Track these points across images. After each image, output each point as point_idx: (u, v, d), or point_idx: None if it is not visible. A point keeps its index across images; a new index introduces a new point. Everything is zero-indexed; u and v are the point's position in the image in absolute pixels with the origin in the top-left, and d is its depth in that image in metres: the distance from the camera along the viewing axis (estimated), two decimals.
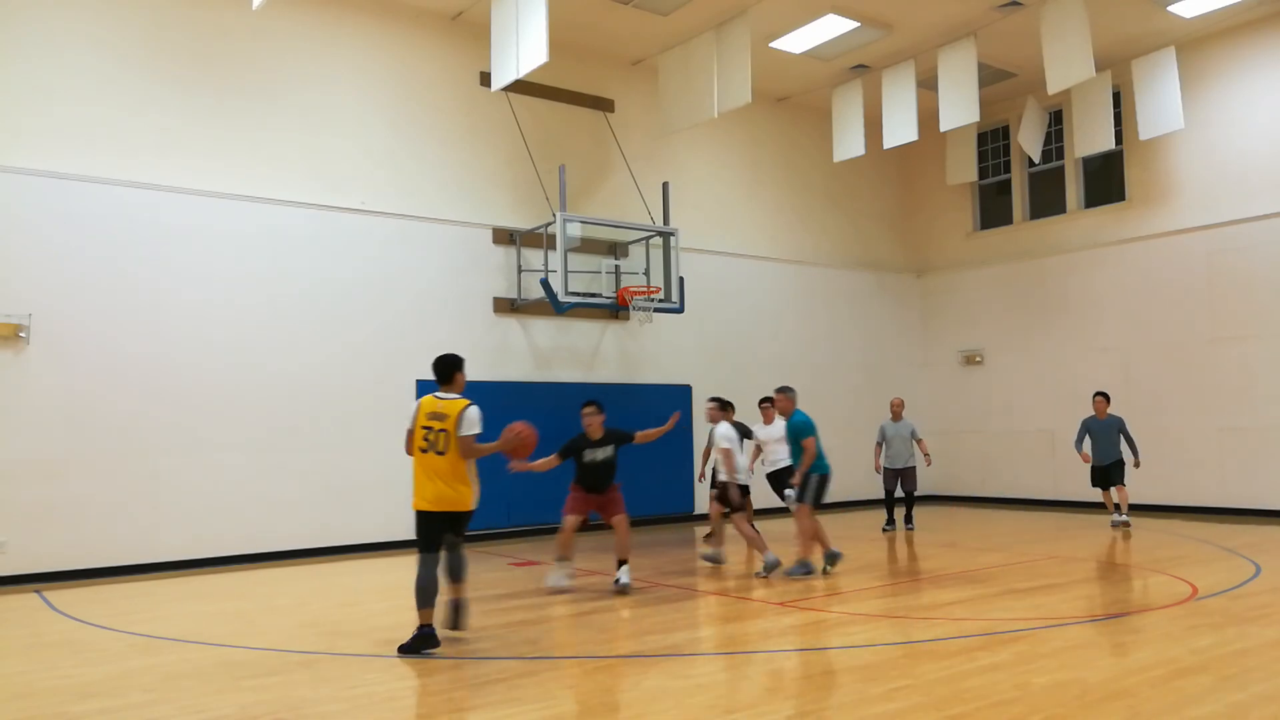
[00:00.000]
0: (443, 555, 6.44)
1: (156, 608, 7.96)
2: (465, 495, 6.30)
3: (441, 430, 6.18)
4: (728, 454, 9.04)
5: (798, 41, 13.38)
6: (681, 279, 12.56)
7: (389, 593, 8.83)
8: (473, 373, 12.17)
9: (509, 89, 11.38)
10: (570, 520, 8.46)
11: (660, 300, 12.30)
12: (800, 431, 8.92)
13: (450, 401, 6.29)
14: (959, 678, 5.23)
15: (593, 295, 12.17)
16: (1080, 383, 14.80)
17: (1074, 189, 15.28)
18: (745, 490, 9.53)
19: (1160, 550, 10.15)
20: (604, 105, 13.74)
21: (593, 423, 8.42)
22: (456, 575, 6.55)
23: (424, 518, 6.34)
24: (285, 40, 11.32)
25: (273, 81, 11.20)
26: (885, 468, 12.48)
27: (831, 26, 12.93)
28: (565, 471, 12.85)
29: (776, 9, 12.35)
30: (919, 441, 12.47)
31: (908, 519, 12.62)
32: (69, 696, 5.28)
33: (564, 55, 12.91)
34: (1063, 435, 14.92)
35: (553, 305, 11.81)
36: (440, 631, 6.29)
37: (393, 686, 5.42)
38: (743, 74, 11.80)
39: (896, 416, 12.58)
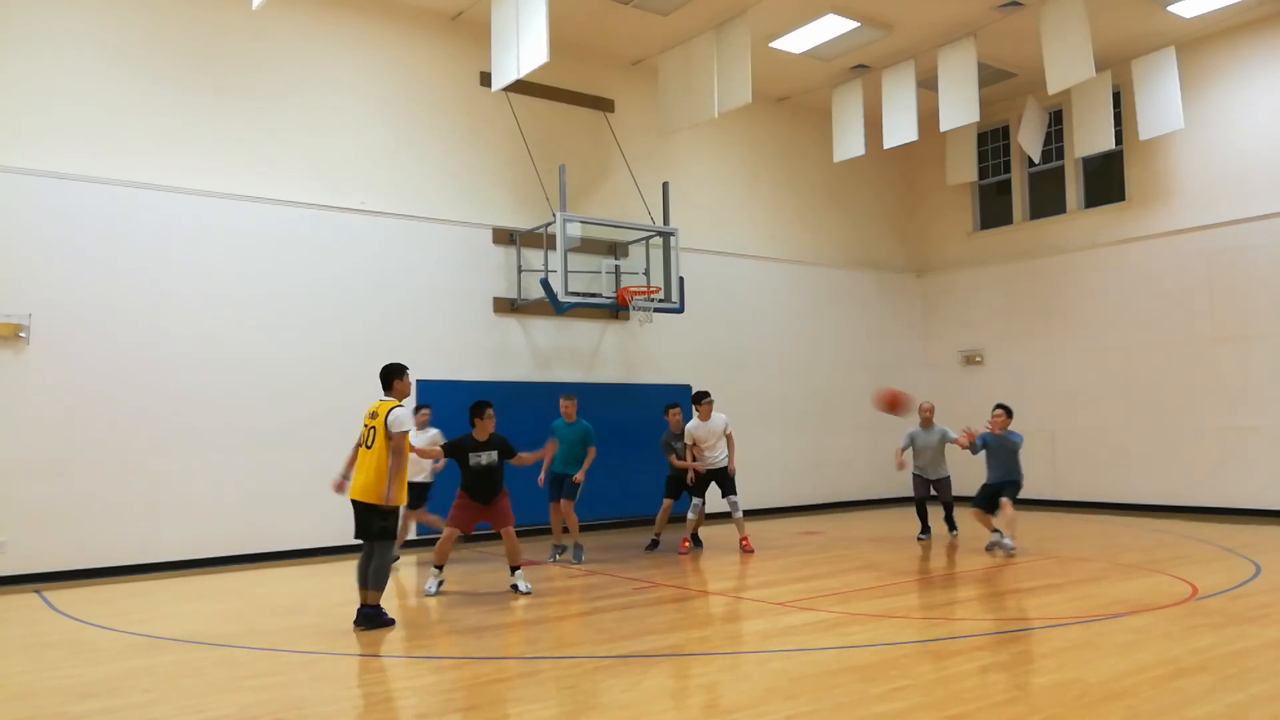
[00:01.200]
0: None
1: (156, 608, 7.96)
2: (380, 490, 6.95)
3: (371, 428, 7.11)
4: None
5: (798, 41, 13.38)
6: (681, 279, 12.56)
7: (388, 593, 8.83)
8: (473, 373, 12.30)
9: (509, 89, 11.38)
10: (452, 533, 8.35)
11: (660, 300, 12.30)
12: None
13: (382, 403, 7.16)
14: (959, 678, 5.24)
15: (593, 295, 12.17)
16: (1080, 383, 14.81)
17: (1074, 189, 15.28)
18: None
19: (1160, 550, 10.15)
20: (604, 105, 13.75)
21: (486, 425, 8.38)
22: (364, 579, 7.08)
23: (352, 505, 7.18)
24: (285, 40, 11.32)
25: (273, 81, 11.21)
26: (915, 475, 11.47)
27: (831, 26, 12.93)
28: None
29: (776, 9, 12.36)
30: (954, 441, 10.86)
31: (951, 525, 11.51)
32: (69, 696, 5.28)
33: (564, 55, 12.92)
34: (1063, 435, 14.93)
35: (553, 305, 11.81)
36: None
37: (393, 686, 5.42)
38: (743, 74, 11.79)
39: (926, 424, 11.33)
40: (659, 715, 4.71)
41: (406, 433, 7.03)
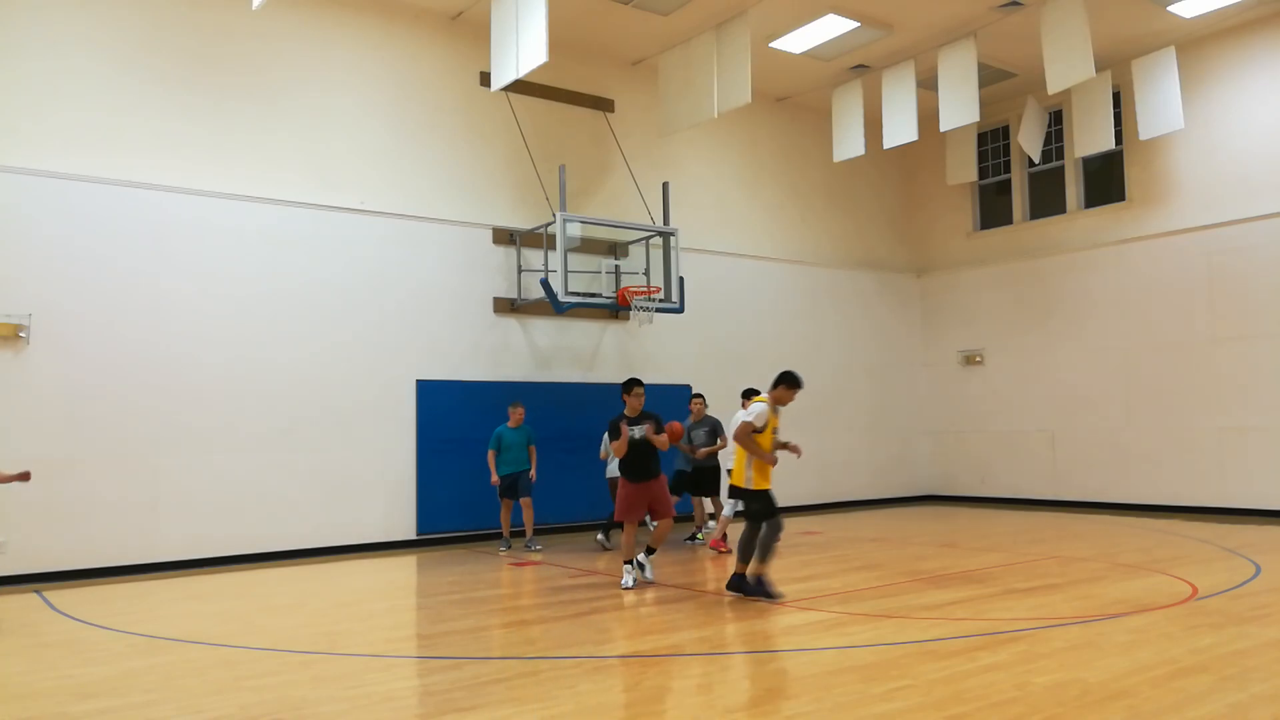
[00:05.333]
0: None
1: (156, 608, 7.95)
2: (741, 475, 7.85)
3: None
4: None
5: (798, 41, 13.38)
6: (681, 279, 12.56)
7: (389, 593, 8.84)
8: (473, 373, 12.31)
9: (509, 89, 11.38)
10: (631, 529, 8.58)
11: (660, 300, 12.30)
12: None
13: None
14: (959, 678, 5.23)
15: (593, 295, 12.17)
16: (1080, 383, 14.81)
17: (1074, 189, 15.28)
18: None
19: (1160, 550, 10.15)
20: (604, 105, 13.74)
21: (635, 402, 8.71)
22: (745, 553, 7.86)
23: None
24: (285, 40, 11.32)
25: (273, 82, 11.21)
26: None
27: (831, 26, 12.93)
28: (565, 470, 12.84)
29: (776, 9, 12.36)
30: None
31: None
32: (69, 696, 5.28)
33: (564, 55, 12.92)
34: (1063, 435, 14.92)
35: (553, 305, 11.81)
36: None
37: (393, 686, 5.42)
38: (743, 74, 11.79)
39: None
40: (659, 715, 4.71)
41: (746, 423, 7.67)
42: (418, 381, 11.82)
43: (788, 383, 7.86)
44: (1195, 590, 7.70)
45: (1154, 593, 7.72)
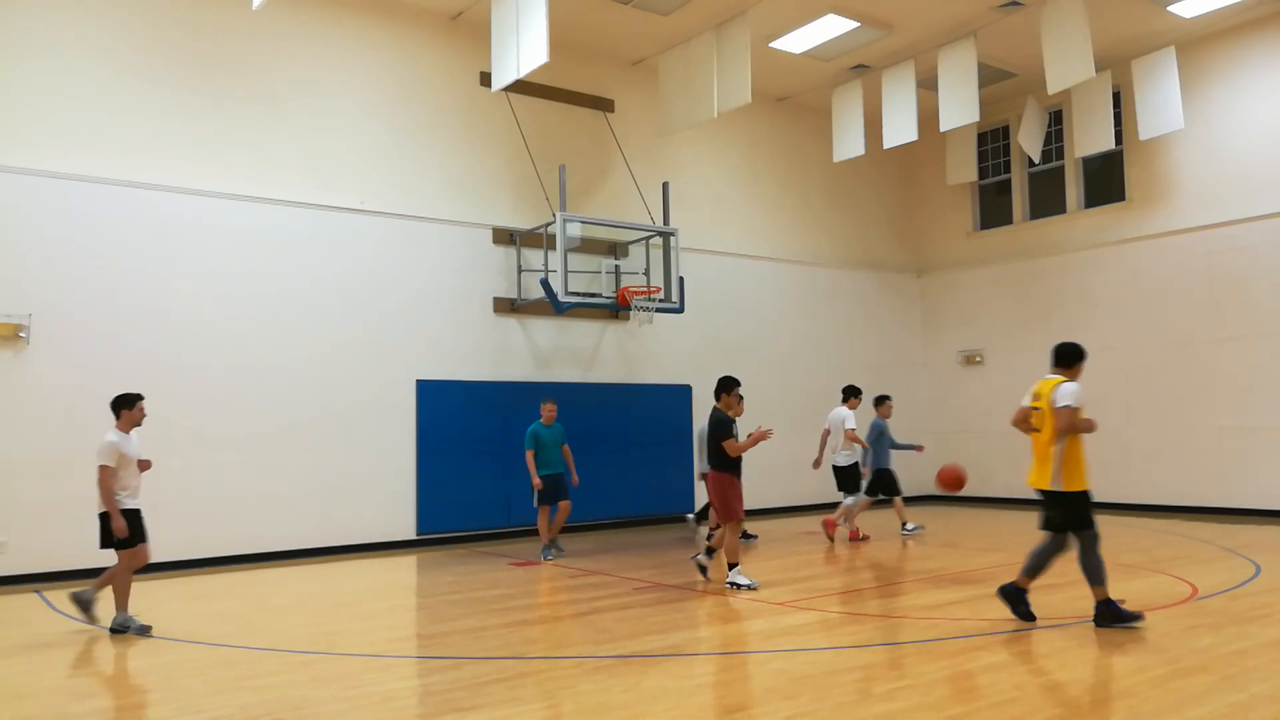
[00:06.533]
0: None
1: (156, 607, 7.95)
2: (1048, 473, 6.53)
3: (1036, 409, 6.73)
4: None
5: (798, 41, 13.38)
6: (681, 279, 12.56)
7: (389, 593, 8.84)
8: (473, 373, 12.30)
9: (509, 89, 11.37)
10: (738, 526, 8.41)
11: (660, 300, 12.30)
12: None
13: (1048, 380, 6.73)
14: (959, 678, 5.23)
15: (593, 295, 12.17)
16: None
17: (1074, 189, 15.28)
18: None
19: (1160, 550, 10.15)
20: (604, 105, 13.74)
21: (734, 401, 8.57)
22: (1087, 573, 6.55)
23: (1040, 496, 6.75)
24: (285, 40, 11.32)
25: (273, 82, 11.20)
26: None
27: (831, 26, 12.93)
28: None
29: (776, 9, 12.35)
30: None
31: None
32: (69, 696, 5.28)
33: (564, 55, 12.91)
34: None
35: (553, 305, 11.80)
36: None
37: (393, 686, 5.42)
38: (743, 74, 11.79)
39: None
40: (659, 715, 4.71)
41: (1068, 407, 6.39)
42: (418, 381, 11.82)
43: (1081, 356, 6.79)
44: (1195, 590, 7.70)
45: (1154, 593, 7.72)
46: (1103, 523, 12.69)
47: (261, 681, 5.51)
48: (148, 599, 8.47)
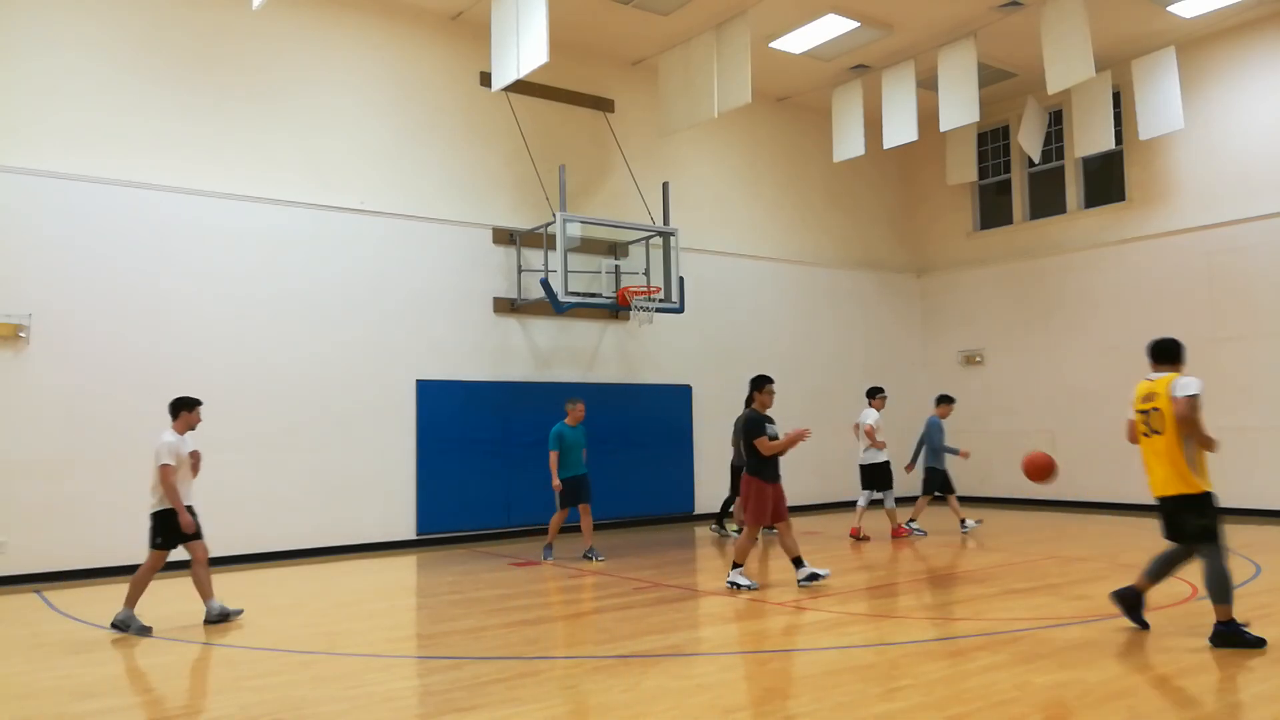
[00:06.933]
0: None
1: (156, 607, 7.94)
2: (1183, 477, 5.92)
3: (1154, 409, 6.08)
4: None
5: (798, 41, 13.38)
6: (681, 279, 12.56)
7: (389, 593, 8.84)
8: (473, 373, 12.30)
9: (509, 89, 11.37)
10: (755, 531, 8.28)
11: (660, 300, 12.30)
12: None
13: (1158, 380, 6.17)
14: (959, 678, 5.23)
15: (593, 295, 12.17)
16: (1080, 383, 14.80)
17: (1074, 189, 15.28)
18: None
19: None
20: (604, 105, 13.74)
21: (766, 399, 8.44)
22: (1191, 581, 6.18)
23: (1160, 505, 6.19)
24: (285, 40, 11.32)
25: (273, 82, 11.20)
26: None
27: (831, 26, 12.93)
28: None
29: (776, 9, 12.35)
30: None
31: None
32: (69, 696, 5.28)
33: (564, 55, 12.91)
34: (1063, 435, 14.91)
35: (553, 305, 11.81)
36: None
37: (393, 686, 5.42)
38: (743, 74, 11.79)
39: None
40: (659, 715, 4.71)
41: (1194, 396, 5.82)
42: (418, 381, 11.82)
43: (1183, 349, 6.34)
44: (1195, 590, 7.69)
45: (1154, 593, 7.70)
46: (1103, 522, 12.73)
47: (261, 681, 5.51)
48: (149, 598, 8.44)
